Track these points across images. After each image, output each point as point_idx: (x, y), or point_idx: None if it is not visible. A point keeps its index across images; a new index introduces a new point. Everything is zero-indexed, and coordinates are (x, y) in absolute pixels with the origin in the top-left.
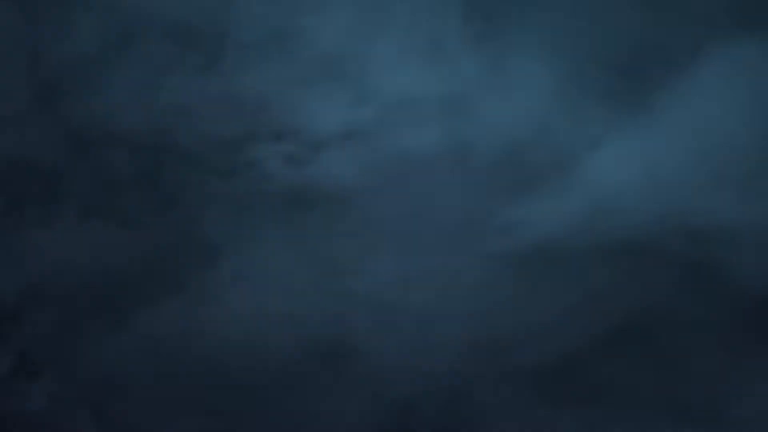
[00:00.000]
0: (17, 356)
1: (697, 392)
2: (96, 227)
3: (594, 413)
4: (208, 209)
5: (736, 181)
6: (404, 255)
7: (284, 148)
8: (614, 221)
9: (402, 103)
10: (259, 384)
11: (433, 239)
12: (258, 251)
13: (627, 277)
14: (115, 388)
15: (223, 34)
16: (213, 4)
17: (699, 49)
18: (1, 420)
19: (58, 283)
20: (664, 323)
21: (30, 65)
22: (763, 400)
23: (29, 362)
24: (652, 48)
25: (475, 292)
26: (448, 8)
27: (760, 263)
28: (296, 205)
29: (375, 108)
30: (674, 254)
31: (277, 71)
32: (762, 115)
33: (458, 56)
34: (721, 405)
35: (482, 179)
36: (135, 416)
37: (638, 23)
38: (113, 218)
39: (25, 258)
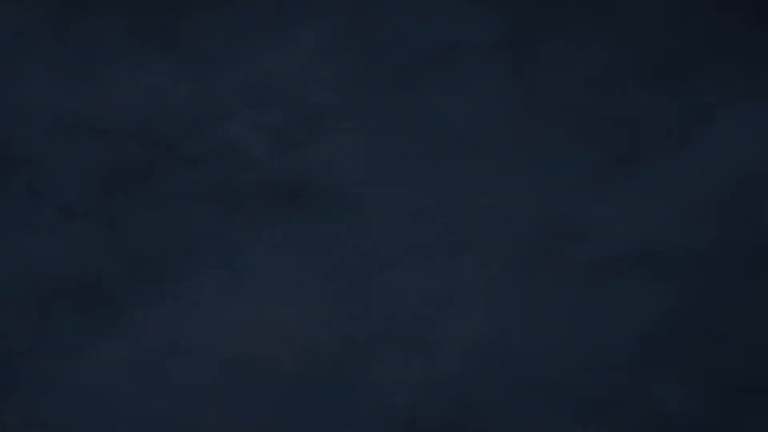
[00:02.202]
0: None
1: (723, 412)
2: (76, 228)
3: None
4: (195, 207)
5: None
6: (416, 257)
7: (270, 124)
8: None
9: (434, 56)
10: (254, 397)
11: (455, 239)
12: (252, 253)
13: (668, 288)
14: (97, 404)
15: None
16: None
17: None
18: None
19: (34, 289)
20: (706, 336)
21: None
22: None
23: (1, 376)
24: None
25: (487, 297)
26: None
27: None
28: (291, 199)
29: (396, 65)
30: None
31: (257, 18)
32: None
33: None
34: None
35: (544, 168)
36: None
37: None
38: (94, 218)
39: None
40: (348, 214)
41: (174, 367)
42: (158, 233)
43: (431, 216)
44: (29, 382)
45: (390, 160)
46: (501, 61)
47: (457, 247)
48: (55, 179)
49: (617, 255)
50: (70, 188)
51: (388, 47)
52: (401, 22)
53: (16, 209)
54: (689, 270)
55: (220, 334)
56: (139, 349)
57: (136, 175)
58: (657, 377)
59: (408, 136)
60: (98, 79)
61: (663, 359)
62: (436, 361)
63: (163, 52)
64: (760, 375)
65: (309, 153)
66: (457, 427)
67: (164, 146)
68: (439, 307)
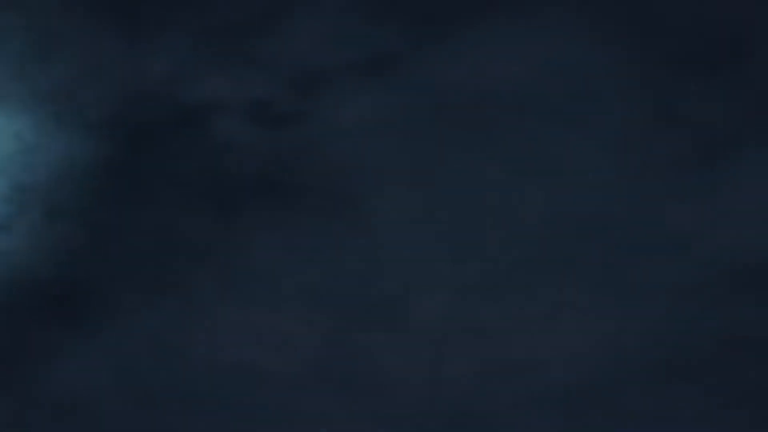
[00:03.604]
0: None
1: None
2: (61, 228)
3: None
4: (187, 207)
5: None
6: (421, 260)
7: (267, 119)
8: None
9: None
10: (251, 410)
11: (462, 241)
12: (247, 255)
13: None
14: (82, 414)
15: None
16: None
17: None
18: None
19: (18, 292)
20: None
21: None
22: None
23: None
24: None
25: (498, 304)
26: None
27: None
28: (289, 198)
29: (398, 45)
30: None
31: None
32: None
33: None
34: None
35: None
36: None
37: None
38: (80, 218)
39: None
40: (348, 213)
41: (162, 376)
42: (147, 235)
43: (438, 215)
44: (12, 391)
45: (393, 154)
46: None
47: (464, 250)
48: (40, 177)
49: (636, 257)
50: (55, 187)
51: (389, 33)
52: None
53: None
54: (712, 275)
55: (212, 341)
56: (126, 357)
57: (125, 172)
58: (673, 386)
59: (412, 128)
60: (87, 73)
61: (681, 367)
62: (442, 371)
63: (153, 44)
64: None
65: (308, 150)
66: None
67: (153, 141)
68: (445, 312)
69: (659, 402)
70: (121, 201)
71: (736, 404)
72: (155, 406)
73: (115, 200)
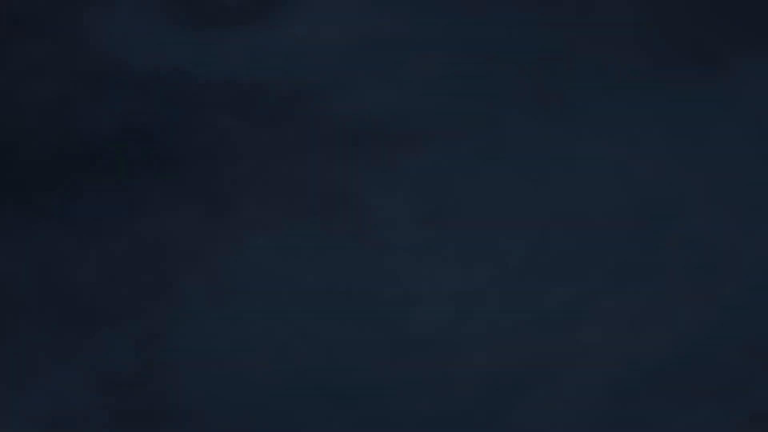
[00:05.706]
0: None
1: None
2: (40, 232)
3: None
4: (178, 209)
5: None
6: (425, 266)
7: (262, 114)
8: None
9: None
10: (245, 420)
11: (467, 246)
12: (239, 260)
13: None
14: (67, 425)
15: None
16: None
17: None
18: None
19: (2, 296)
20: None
21: None
22: None
23: None
24: None
25: (505, 309)
26: None
27: None
28: (286, 199)
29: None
30: None
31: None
32: None
33: None
34: None
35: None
36: None
37: None
38: (61, 221)
39: None
40: (350, 217)
41: (150, 385)
42: (136, 239)
43: (442, 219)
44: None
45: (395, 146)
46: None
47: (470, 254)
48: (19, 173)
49: (653, 261)
50: (37, 184)
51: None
52: None
53: None
54: (737, 276)
55: (204, 349)
56: (113, 365)
57: (112, 171)
58: (694, 397)
59: (412, 124)
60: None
61: (702, 377)
62: (448, 377)
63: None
64: None
65: (305, 148)
66: None
67: (144, 138)
68: (450, 322)
69: (679, 412)
70: (108, 203)
71: (758, 418)
72: (143, 416)
73: (101, 202)
